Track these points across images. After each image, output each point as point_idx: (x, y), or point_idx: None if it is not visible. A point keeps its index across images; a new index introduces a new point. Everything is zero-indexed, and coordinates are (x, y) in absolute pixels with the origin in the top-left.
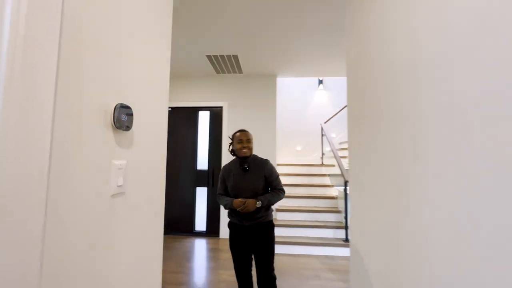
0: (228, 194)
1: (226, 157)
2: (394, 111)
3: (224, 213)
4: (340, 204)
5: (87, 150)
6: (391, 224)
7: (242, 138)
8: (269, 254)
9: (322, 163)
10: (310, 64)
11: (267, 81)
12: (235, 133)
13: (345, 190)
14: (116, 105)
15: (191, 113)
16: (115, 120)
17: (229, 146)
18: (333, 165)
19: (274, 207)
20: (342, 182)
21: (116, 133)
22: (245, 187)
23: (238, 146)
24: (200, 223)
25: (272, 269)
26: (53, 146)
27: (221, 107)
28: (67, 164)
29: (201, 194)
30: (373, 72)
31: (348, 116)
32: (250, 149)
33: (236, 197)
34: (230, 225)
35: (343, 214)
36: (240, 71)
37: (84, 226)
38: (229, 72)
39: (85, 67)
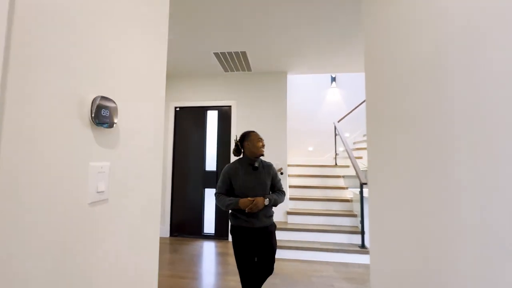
0: (230, 195)
1: (232, 158)
2: (417, 110)
3: None
4: (356, 207)
5: (52, 151)
6: (418, 229)
7: (260, 138)
8: (274, 254)
9: (336, 164)
10: (323, 59)
11: (277, 78)
12: (249, 132)
13: (361, 192)
14: (95, 97)
15: (199, 113)
16: (93, 116)
17: (236, 145)
18: (347, 166)
19: (283, 209)
20: (357, 184)
21: (95, 130)
22: (255, 185)
23: (258, 144)
24: (209, 225)
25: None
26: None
27: (230, 106)
28: (20, 168)
29: (210, 196)
30: (395, 68)
31: (367, 115)
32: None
33: (245, 196)
34: (236, 229)
35: (359, 218)
36: (248, 68)
37: (49, 241)
38: (237, 69)
39: (50, 47)
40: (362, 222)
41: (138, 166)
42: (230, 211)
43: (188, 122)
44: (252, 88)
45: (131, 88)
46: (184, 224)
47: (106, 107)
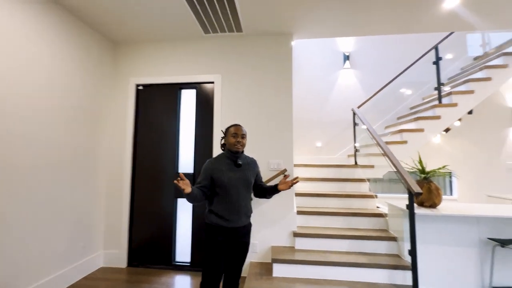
0: (212, 193)
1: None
2: None
3: None
4: (393, 225)
5: None
6: None
7: (237, 132)
8: (247, 254)
9: (356, 163)
10: (345, 13)
11: (279, 43)
12: (229, 127)
13: (411, 206)
14: None
15: (170, 93)
16: None
17: (221, 139)
18: (371, 166)
19: (288, 229)
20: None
21: None
22: (239, 183)
23: (231, 140)
24: (183, 251)
25: None
26: None
27: (213, 82)
28: None
29: (184, 209)
30: None
31: None
32: (243, 145)
33: (227, 193)
34: (212, 228)
35: (403, 243)
36: (238, 28)
37: None
38: (222, 30)
39: None
40: (413, 252)
41: None
42: (207, 208)
43: (155, 105)
44: (243, 57)
45: None
46: (148, 249)
47: None
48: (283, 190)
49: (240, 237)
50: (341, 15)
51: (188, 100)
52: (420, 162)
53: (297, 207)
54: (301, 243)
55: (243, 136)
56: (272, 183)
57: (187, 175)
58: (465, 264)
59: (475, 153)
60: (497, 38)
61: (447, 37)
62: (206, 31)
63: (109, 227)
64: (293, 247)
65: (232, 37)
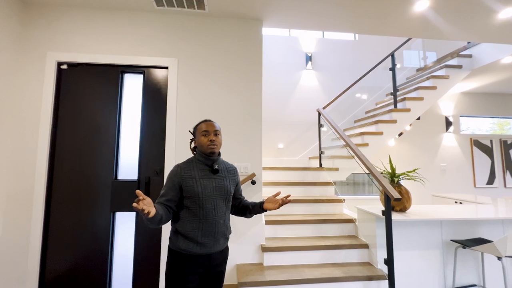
0: (169, 208)
1: (175, 157)
2: None
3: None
4: (365, 230)
5: None
6: None
7: (208, 129)
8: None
9: (321, 166)
10: (316, 4)
11: (248, 29)
12: (198, 124)
13: (388, 212)
14: None
15: (107, 77)
16: None
17: (191, 142)
18: (336, 169)
19: (256, 243)
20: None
21: None
22: (216, 193)
23: (203, 140)
24: (122, 280)
25: None
26: None
27: (166, 67)
28: None
29: (125, 224)
30: None
31: None
32: (219, 144)
33: (201, 207)
34: (177, 256)
35: (375, 250)
36: (201, 5)
37: None
38: (181, 4)
39: None
40: (390, 261)
41: None
42: (174, 227)
43: (85, 92)
44: (206, 41)
45: None
46: (70, 280)
47: None
48: (270, 210)
49: (214, 267)
50: (311, 6)
51: (132, 87)
52: (391, 164)
53: (264, 215)
54: (271, 259)
55: (217, 133)
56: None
57: (130, 182)
58: (431, 266)
59: (419, 155)
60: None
61: (403, 44)
62: (159, 2)
63: (8, 253)
64: (262, 263)
65: (193, 15)
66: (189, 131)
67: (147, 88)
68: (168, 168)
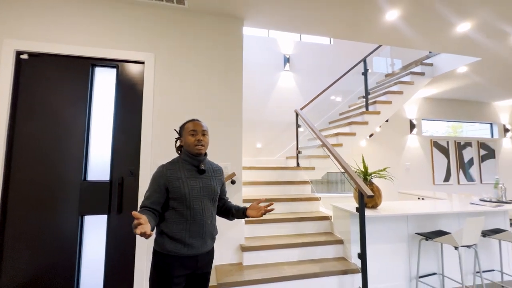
0: (155, 211)
1: (151, 156)
2: None
3: (143, 260)
4: (340, 227)
5: None
6: None
7: (196, 129)
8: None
9: (298, 165)
10: (296, 6)
11: (230, 27)
12: (185, 123)
13: (362, 208)
14: None
15: (75, 70)
16: None
17: (176, 141)
18: (312, 168)
19: (236, 242)
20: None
21: None
22: (204, 194)
23: (190, 140)
24: (91, 285)
25: None
26: None
27: (143, 62)
28: None
29: (95, 228)
30: None
31: None
32: (206, 144)
33: (189, 207)
34: (164, 258)
35: (349, 245)
36: (180, 0)
37: None
38: None
39: None
40: (363, 255)
41: None
42: (159, 229)
43: (50, 85)
44: (186, 37)
45: None
46: (35, 284)
47: None
48: (252, 217)
49: (200, 268)
50: (291, 7)
51: (105, 82)
52: (364, 164)
53: None
54: (250, 258)
55: (204, 133)
56: None
57: (101, 183)
58: (399, 258)
59: (387, 155)
60: (398, 62)
61: (374, 50)
62: None
63: None
64: (241, 263)
65: (172, 9)
66: (175, 129)
67: (121, 83)
68: (144, 168)
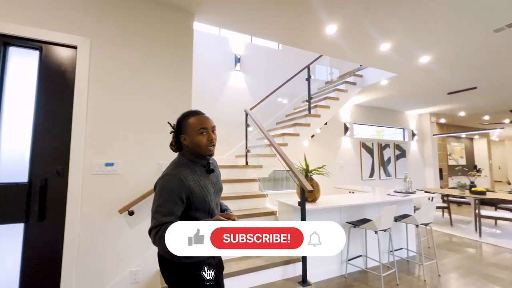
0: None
1: (84, 153)
2: None
3: (72, 273)
4: (285, 220)
5: None
6: None
7: (206, 126)
8: None
9: (247, 163)
10: (245, 7)
11: (180, 20)
12: (188, 118)
13: (303, 202)
14: None
15: None
16: None
17: (176, 138)
18: (260, 166)
19: None
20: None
21: None
22: (216, 194)
23: (201, 140)
24: None
25: None
26: None
27: (75, 47)
28: None
29: (10, 237)
30: None
31: None
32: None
33: (209, 213)
34: (195, 267)
35: None
36: None
37: None
38: None
39: None
40: None
41: None
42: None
43: None
44: (130, 25)
45: None
46: None
47: None
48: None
49: (221, 275)
50: (240, 6)
51: (23, 65)
52: (306, 162)
53: None
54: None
55: (214, 130)
56: None
57: (16, 186)
58: None
59: (325, 154)
60: (336, 71)
61: (316, 59)
62: None
63: None
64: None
65: None
66: (169, 123)
67: (46, 68)
68: (74, 167)
